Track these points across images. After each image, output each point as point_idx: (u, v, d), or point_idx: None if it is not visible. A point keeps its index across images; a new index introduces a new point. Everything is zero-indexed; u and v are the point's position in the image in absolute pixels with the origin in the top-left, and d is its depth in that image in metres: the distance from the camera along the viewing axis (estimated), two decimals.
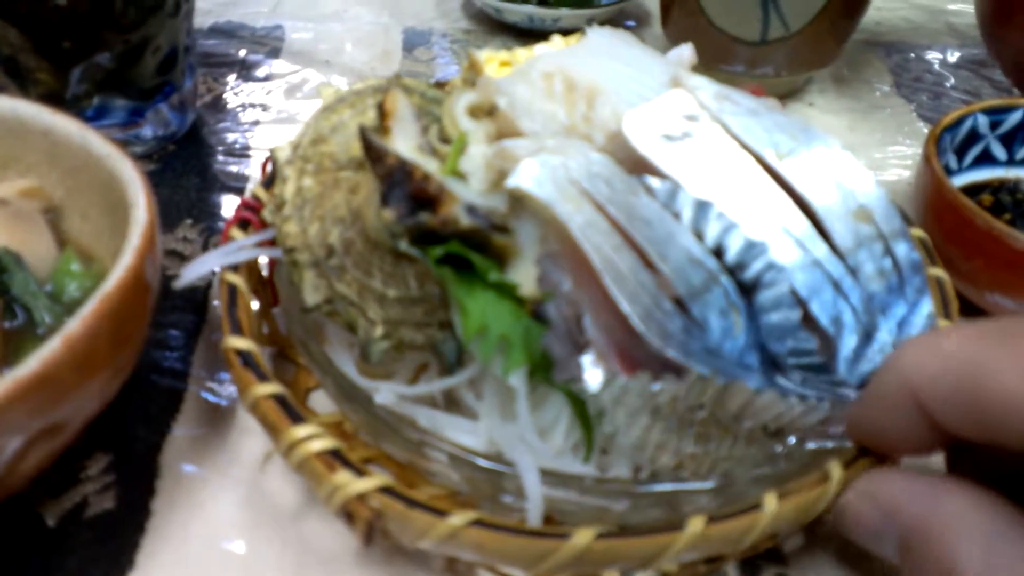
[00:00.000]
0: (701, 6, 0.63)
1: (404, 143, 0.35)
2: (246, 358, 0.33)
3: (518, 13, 0.72)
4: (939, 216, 0.46)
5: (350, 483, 0.28)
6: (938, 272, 0.39)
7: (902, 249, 0.32)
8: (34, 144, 0.41)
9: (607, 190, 0.30)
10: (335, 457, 0.29)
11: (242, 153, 0.57)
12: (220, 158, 0.57)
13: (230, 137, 0.59)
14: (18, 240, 0.39)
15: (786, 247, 0.30)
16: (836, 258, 0.31)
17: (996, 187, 0.53)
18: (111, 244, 0.39)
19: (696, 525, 0.27)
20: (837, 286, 0.30)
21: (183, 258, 0.48)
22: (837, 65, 0.71)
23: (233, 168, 0.56)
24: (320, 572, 0.34)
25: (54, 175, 0.41)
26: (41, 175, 0.41)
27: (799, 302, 0.30)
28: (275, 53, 0.70)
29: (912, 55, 0.75)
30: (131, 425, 0.39)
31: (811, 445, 0.30)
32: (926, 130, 0.65)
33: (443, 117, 0.37)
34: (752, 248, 0.30)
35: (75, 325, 0.29)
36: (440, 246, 0.32)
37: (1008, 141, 0.53)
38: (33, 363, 0.28)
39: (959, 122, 0.51)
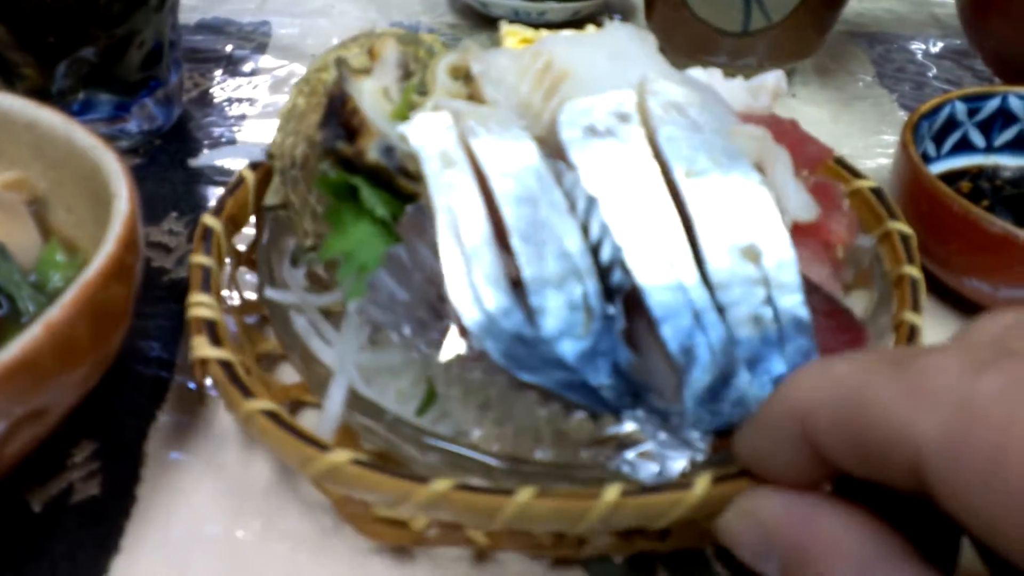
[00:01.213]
0: None
1: (374, 83, 0.38)
2: (207, 272, 0.36)
3: (504, 7, 0.72)
4: (916, 202, 0.47)
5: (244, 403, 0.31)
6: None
7: (789, 303, 0.29)
8: (18, 137, 0.41)
9: (504, 164, 0.31)
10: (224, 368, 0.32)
11: (228, 147, 0.58)
12: (206, 152, 0.58)
13: (216, 131, 0.59)
14: (2, 231, 0.39)
15: (652, 262, 0.29)
16: (705, 289, 0.29)
17: (975, 174, 0.54)
18: (95, 235, 0.40)
19: (527, 495, 0.28)
20: (697, 316, 0.28)
21: (168, 251, 0.49)
22: (820, 56, 0.71)
23: (219, 162, 0.56)
24: (303, 555, 0.34)
25: (38, 167, 0.41)
26: (26, 167, 0.42)
27: (652, 321, 0.29)
28: (262, 48, 0.70)
29: (895, 46, 0.75)
30: (117, 413, 0.39)
31: (612, 466, 0.29)
32: None
33: (427, 71, 0.39)
34: (616, 253, 0.29)
35: (56, 312, 0.30)
36: (351, 174, 0.35)
37: (986, 128, 0.54)
38: (14, 349, 0.29)
39: (937, 109, 0.52)
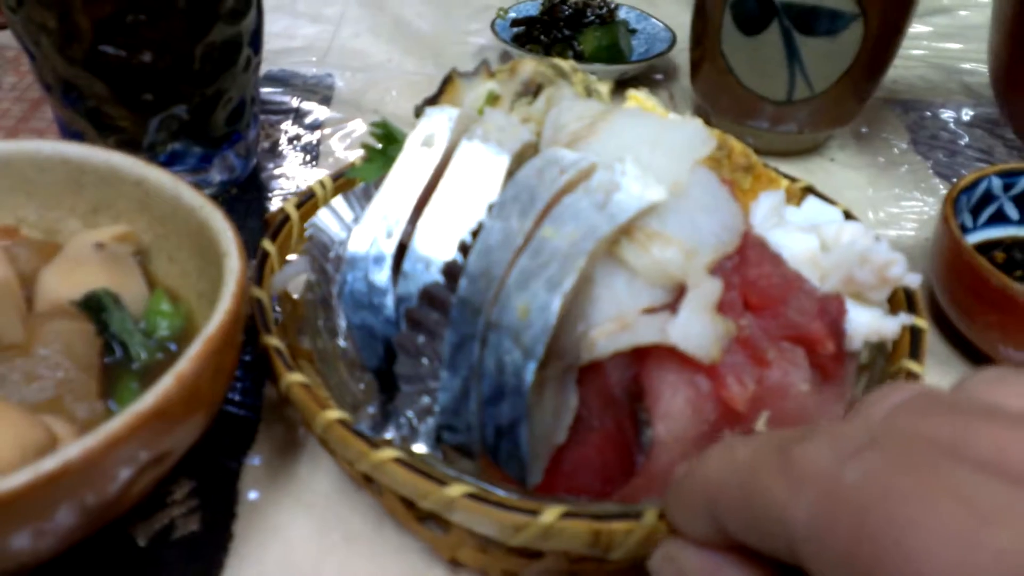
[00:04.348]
0: (730, 65, 0.67)
1: (489, 85, 0.49)
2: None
3: None
4: (957, 274, 0.49)
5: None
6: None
7: (524, 364, 0.32)
8: (126, 192, 0.44)
9: (469, 165, 0.38)
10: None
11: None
12: (277, 202, 0.61)
13: (286, 181, 0.63)
14: (114, 281, 0.42)
15: (474, 279, 0.33)
16: (484, 320, 0.33)
17: (1008, 244, 0.57)
18: (198, 286, 0.43)
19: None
20: (471, 336, 0.33)
21: None
22: (857, 122, 0.74)
23: None
24: None
25: (143, 220, 0.45)
26: (131, 220, 0.45)
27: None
28: (326, 101, 0.74)
29: (928, 113, 0.79)
30: (211, 453, 0.42)
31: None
32: (942, 186, 0.68)
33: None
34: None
35: (184, 364, 0.33)
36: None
37: (1020, 202, 0.57)
38: (149, 399, 0.32)
39: (975, 184, 0.55)
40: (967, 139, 0.75)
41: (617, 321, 0.35)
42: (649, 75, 0.81)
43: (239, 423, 0.44)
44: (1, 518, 0.29)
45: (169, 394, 0.32)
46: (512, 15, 0.82)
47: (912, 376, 0.40)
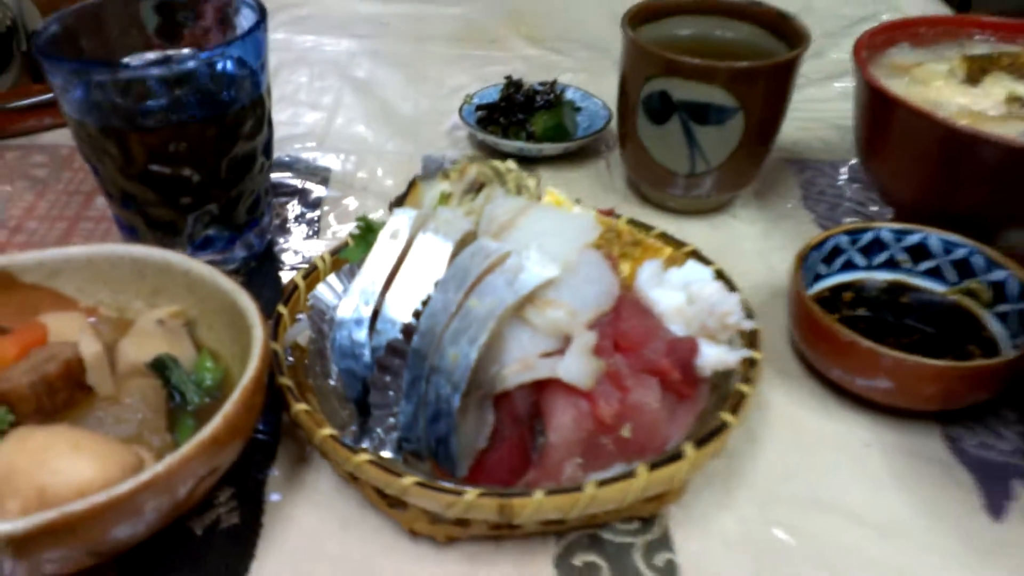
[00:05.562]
0: (645, 146, 0.83)
1: (443, 185, 0.66)
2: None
3: (511, 145, 0.92)
4: (801, 317, 0.65)
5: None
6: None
7: (451, 394, 0.48)
8: (177, 279, 0.61)
9: (423, 252, 0.55)
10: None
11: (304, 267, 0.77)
12: (287, 271, 0.77)
13: (294, 255, 0.79)
14: (172, 347, 0.59)
15: (422, 334, 0.50)
16: (427, 364, 0.49)
17: (858, 286, 0.72)
18: (232, 348, 0.59)
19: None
20: (419, 377, 0.49)
21: None
22: (759, 182, 0.90)
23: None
24: (379, 559, 0.53)
25: (191, 299, 0.61)
26: (182, 300, 0.62)
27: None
28: (325, 182, 0.90)
29: (820, 171, 0.94)
30: (244, 467, 0.58)
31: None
32: None
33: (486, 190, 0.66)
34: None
35: (229, 407, 0.49)
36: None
37: (866, 252, 0.73)
38: (207, 431, 0.48)
39: (823, 242, 0.71)
40: (848, 193, 0.90)
41: (522, 363, 0.51)
42: (591, 147, 0.97)
43: (263, 445, 0.60)
44: (115, 513, 0.45)
45: (219, 428, 0.48)
46: (476, 101, 0.99)
47: (742, 395, 0.56)
